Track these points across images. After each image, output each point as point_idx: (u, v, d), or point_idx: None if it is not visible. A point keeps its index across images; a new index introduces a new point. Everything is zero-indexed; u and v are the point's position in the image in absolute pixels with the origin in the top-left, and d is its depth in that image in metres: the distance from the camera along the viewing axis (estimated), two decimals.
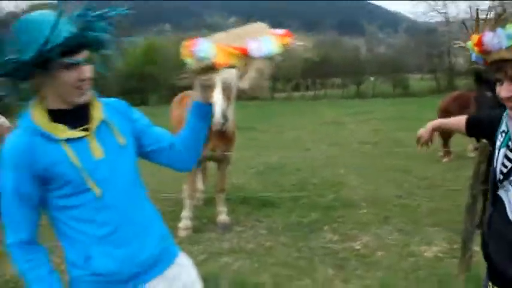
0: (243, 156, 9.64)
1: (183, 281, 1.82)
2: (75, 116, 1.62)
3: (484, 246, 1.65)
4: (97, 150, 1.62)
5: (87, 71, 1.57)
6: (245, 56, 1.38)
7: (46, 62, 1.47)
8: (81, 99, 1.60)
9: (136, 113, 1.82)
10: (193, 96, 1.77)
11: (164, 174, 8.20)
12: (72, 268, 1.67)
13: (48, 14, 1.49)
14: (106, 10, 1.56)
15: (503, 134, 1.59)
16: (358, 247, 4.47)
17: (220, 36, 1.47)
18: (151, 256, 1.72)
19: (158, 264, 1.75)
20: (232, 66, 1.39)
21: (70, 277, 1.69)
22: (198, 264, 4.08)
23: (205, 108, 1.75)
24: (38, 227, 1.66)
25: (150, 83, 28.64)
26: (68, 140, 1.57)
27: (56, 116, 1.60)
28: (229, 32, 1.50)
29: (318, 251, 4.43)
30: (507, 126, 1.59)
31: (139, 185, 1.77)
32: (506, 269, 1.51)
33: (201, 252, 4.53)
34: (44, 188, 1.58)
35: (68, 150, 1.56)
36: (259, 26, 1.45)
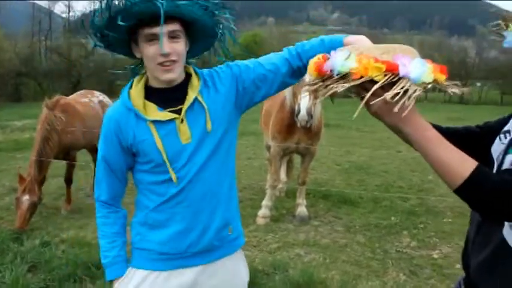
0: (331, 153, 9.61)
1: (229, 274, 1.81)
2: (171, 96, 1.61)
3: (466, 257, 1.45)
4: (185, 135, 1.60)
5: (168, 46, 1.51)
6: (391, 71, 1.14)
7: (131, 31, 1.52)
8: (167, 77, 1.56)
9: (240, 66, 1.72)
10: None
11: (252, 162, 8.47)
12: (133, 231, 1.77)
13: None
14: None
15: (508, 136, 1.38)
16: (436, 256, 4.31)
17: (363, 47, 1.25)
18: (204, 247, 1.71)
19: (209, 254, 1.74)
20: (371, 80, 1.14)
21: (131, 240, 1.79)
22: (270, 252, 4.28)
23: None
24: (121, 193, 1.78)
25: None
26: (156, 121, 1.58)
27: (153, 94, 1.62)
28: (374, 45, 1.31)
29: (393, 254, 4.35)
30: None
31: (220, 172, 1.70)
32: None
33: (276, 241, 4.64)
34: (134, 158, 1.68)
35: (154, 131, 1.58)
36: (409, 49, 1.23)
